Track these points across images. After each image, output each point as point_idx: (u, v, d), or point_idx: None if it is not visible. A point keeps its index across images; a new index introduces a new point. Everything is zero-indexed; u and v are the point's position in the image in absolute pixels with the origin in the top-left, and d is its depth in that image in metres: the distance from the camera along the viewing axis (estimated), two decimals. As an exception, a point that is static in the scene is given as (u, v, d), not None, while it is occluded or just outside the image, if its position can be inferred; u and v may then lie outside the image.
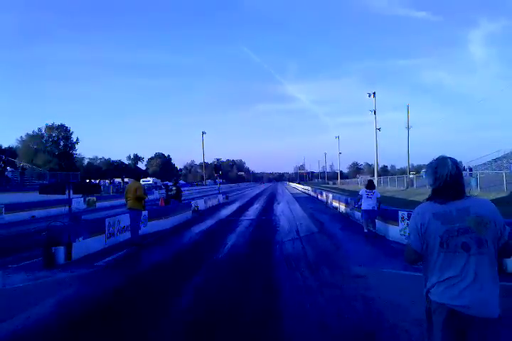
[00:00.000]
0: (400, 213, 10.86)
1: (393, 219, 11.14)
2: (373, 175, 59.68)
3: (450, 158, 2.58)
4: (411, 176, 44.81)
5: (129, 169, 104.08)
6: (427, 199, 2.59)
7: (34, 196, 17.95)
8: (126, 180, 55.73)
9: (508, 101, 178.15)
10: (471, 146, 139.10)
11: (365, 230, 12.06)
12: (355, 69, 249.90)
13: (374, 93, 53.64)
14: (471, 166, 40.56)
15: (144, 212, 12.66)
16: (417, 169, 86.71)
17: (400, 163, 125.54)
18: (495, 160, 44.64)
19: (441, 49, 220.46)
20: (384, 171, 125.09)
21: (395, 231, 10.99)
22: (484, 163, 44.78)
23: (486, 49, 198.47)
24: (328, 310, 5.35)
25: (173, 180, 18.69)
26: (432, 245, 2.44)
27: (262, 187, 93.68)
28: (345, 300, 5.73)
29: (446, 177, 2.50)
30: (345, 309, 5.35)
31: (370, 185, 12.18)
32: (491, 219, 2.41)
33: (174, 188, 17.73)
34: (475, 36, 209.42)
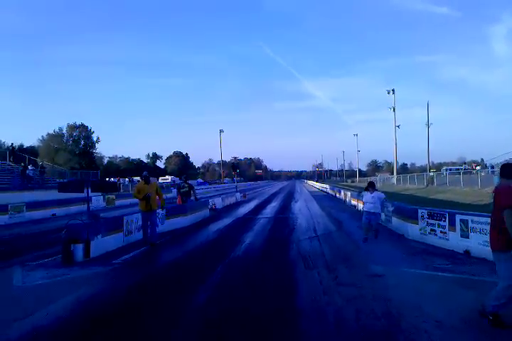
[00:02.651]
0: (420, 211, 10.66)
1: (413, 217, 10.94)
2: (392, 173, 59.06)
3: None
4: (431, 174, 44.05)
5: (148, 168, 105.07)
6: None
7: (55, 194, 18.21)
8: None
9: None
10: (493, 143, 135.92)
11: (365, 235, 10.60)
12: (374, 65, 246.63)
13: (393, 90, 53.22)
14: (493, 163, 39.68)
15: (161, 211, 12.69)
16: (438, 167, 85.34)
17: (420, 161, 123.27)
18: (518, 157, 43.57)
19: (463, 45, 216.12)
20: (403, 169, 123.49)
21: (414, 230, 10.79)
22: (506, 160, 43.75)
23: (509, 45, 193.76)
24: (346, 309, 5.25)
25: (183, 177, 18.35)
26: None
27: (280, 185, 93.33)
28: (363, 300, 5.62)
29: None
30: (363, 309, 5.24)
31: (370, 186, 10.98)
32: None
33: (186, 186, 17.46)
34: (497, 32, 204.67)
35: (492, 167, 34.89)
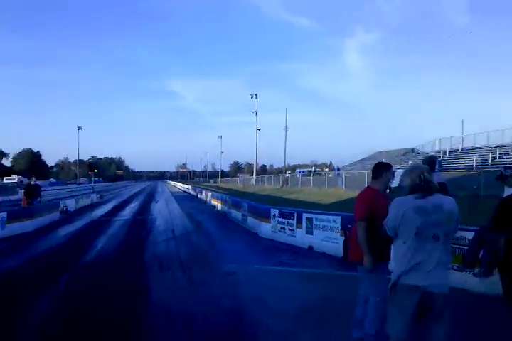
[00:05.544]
0: (272, 211, 11.30)
1: (266, 216, 11.56)
2: (253, 174, 61.59)
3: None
4: (287, 175, 47.05)
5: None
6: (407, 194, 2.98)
7: None
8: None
9: (376, 107, 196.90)
10: (343, 148, 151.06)
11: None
12: (241, 70, 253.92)
13: (256, 95, 55.61)
14: (339, 166, 43.98)
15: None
16: (293, 168, 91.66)
17: (278, 163, 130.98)
18: (360, 160, 48.99)
19: (321, 56, 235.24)
20: (263, 170, 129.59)
21: (267, 228, 11.41)
22: (351, 164, 48.89)
23: (361, 58, 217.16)
24: (196, 308, 5.31)
25: (33, 177, 16.75)
26: (408, 233, 2.86)
27: (141, 185, 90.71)
28: (214, 298, 5.75)
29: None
30: (212, 307, 5.36)
31: None
32: (456, 214, 2.92)
33: (31, 186, 15.86)
34: (351, 46, 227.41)
35: (338, 169, 38.64)
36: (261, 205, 13.65)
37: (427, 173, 3.02)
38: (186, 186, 56.29)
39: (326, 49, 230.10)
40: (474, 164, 26.41)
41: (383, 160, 32.20)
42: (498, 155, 27.03)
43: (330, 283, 6.56)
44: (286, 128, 55.24)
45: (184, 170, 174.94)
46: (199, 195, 33.70)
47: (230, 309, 5.27)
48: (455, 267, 5.73)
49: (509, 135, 29.96)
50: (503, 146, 28.92)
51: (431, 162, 5.87)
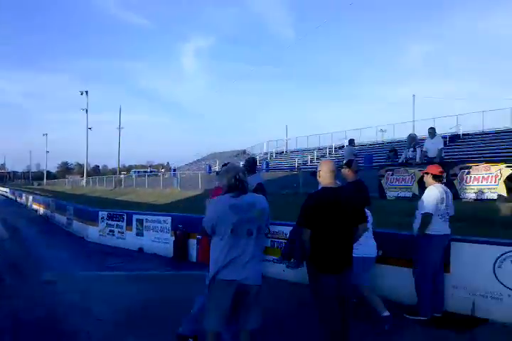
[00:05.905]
0: (100, 213, 10.81)
1: (93, 219, 11.00)
2: (83, 175, 57.84)
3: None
4: (121, 176, 45.37)
5: None
6: (223, 194, 3.14)
7: None
8: None
9: (213, 110, 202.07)
10: (181, 148, 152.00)
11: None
12: (72, 65, 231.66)
13: (87, 91, 52.33)
14: (176, 167, 44.11)
15: None
16: (129, 169, 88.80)
17: (113, 163, 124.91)
18: (196, 161, 49.91)
19: (158, 57, 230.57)
20: (96, 171, 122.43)
21: (94, 232, 10.87)
22: (187, 164, 49.48)
23: (197, 62, 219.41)
24: (5, 324, 4.76)
25: None
26: (225, 230, 2.99)
27: None
28: (28, 311, 5.24)
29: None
30: (25, 320, 4.87)
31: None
32: (268, 211, 3.18)
33: None
34: (188, 49, 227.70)
35: (174, 170, 38.71)
36: (88, 208, 12.91)
37: (242, 174, 3.24)
38: (4, 189, 50.44)
39: (164, 50, 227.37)
40: (296, 165, 29.01)
41: (217, 161, 33.33)
42: (315, 156, 30.12)
43: (159, 284, 6.53)
44: (120, 127, 53.38)
45: (2, 171, 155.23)
46: (19, 199, 30.61)
47: (46, 320, 4.86)
48: (274, 259, 6.27)
49: (324, 139, 33.84)
50: (320, 149, 32.44)
51: (251, 163, 6.29)
